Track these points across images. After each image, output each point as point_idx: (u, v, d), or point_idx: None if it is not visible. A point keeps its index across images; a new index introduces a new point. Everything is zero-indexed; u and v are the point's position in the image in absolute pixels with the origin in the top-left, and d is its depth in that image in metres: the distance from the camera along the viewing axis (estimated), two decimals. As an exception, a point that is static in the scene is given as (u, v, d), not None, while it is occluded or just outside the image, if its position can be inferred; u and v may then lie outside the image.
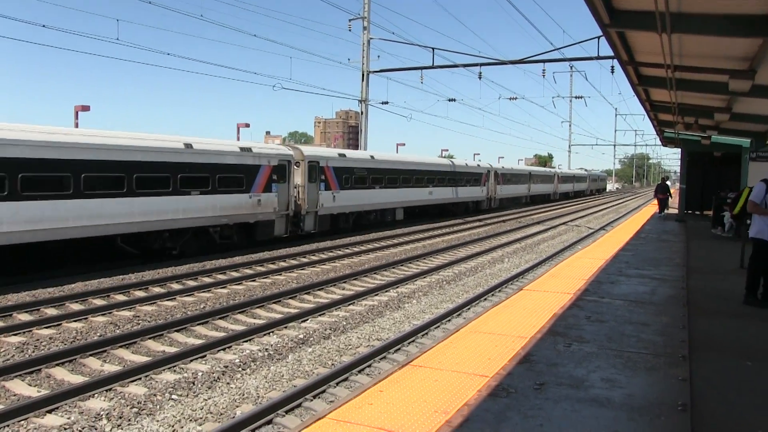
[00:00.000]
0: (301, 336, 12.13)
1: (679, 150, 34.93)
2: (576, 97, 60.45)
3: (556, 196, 75.45)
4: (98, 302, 14.75)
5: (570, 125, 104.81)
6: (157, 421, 8.19)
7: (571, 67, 46.02)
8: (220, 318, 13.49)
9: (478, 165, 48.49)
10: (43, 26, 24.96)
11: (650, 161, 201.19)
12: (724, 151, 30.87)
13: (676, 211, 35.22)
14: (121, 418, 8.19)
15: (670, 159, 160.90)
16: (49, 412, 8.32)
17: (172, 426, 8.02)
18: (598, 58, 31.26)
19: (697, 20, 9.22)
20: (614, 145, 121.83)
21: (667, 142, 36.23)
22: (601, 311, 10.29)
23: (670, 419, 5.78)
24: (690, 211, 35.19)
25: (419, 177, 38.04)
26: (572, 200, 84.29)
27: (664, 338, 8.67)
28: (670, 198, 38.19)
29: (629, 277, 13.73)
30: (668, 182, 39.86)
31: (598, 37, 29.36)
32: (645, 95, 18.20)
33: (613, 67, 33.27)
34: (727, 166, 31.69)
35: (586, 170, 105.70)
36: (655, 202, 37.52)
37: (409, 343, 11.71)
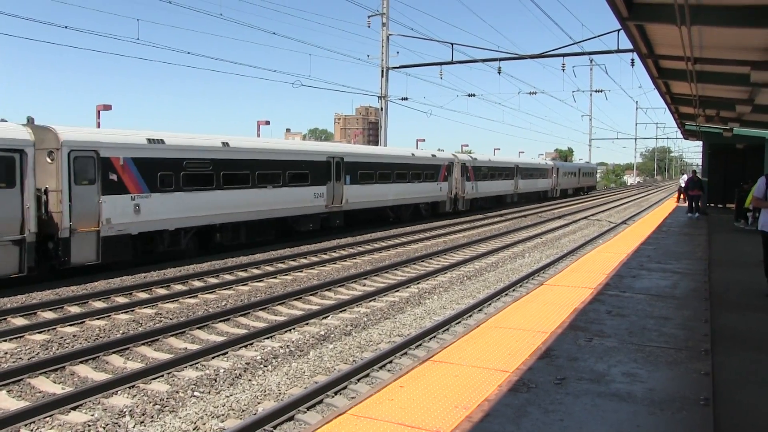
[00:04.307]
0: (322, 332, 12.17)
1: (701, 143, 34.61)
2: (596, 91, 59.90)
3: (462, 206, 41.27)
4: (121, 300, 14.90)
5: (590, 119, 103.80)
6: (180, 417, 8.26)
7: (591, 61, 45.57)
8: (241, 315, 13.56)
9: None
10: (66, 27, 25.18)
11: (671, 154, 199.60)
12: (746, 143, 30.53)
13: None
14: (144, 414, 8.27)
15: (692, 152, 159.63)
16: (74, 409, 8.42)
17: (195, 423, 8.09)
18: (618, 51, 31.02)
19: (717, 11, 9.11)
20: (635, 139, 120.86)
21: (688, 134, 35.93)
22: (623, 305, 10.23)
23: (692, 414, 5.74)
24: (712, 204, 34.85)
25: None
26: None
27: (686, 332, 8.60)
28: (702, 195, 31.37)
29: (651, 271, 13.64)
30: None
31: (618, 30, 29.14)
32: (665, 88, 18.04)
33: (633, 60, 33.11)
34: (750, 158, 31.35)
35: (552, 160, 73.55)
36: (676, 196, 36.37)
37: (430, 339, 11.72)
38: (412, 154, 35.94)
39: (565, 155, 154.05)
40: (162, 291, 15.97)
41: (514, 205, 51.22)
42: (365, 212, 31.75)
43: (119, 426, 7.94)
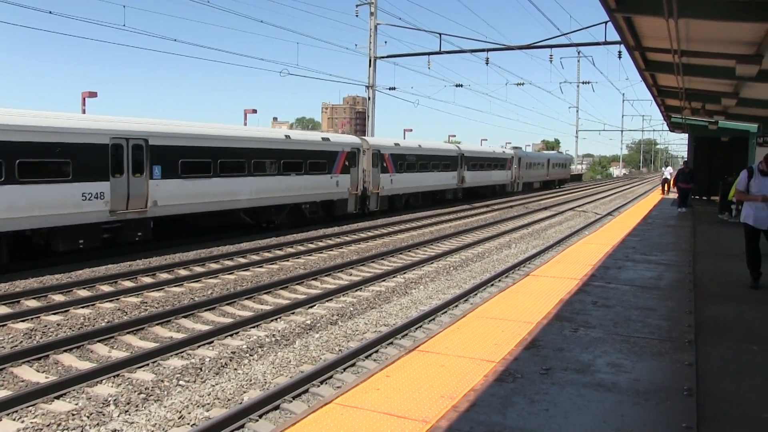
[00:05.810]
0: (309, 322, 12.17)
1: (687, 135, 34.80)
2: (583, 83, 60.21)
3: (374, 205, 32.46)
4: (106, 288, 14.82)
5: (577, 111, 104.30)
6: (165, 406, 8.24)
7: (579, 53, 45.76)
8: (227, 304, 13.53)
9: None
10: (50, 13, 24.92)
11: (657, 146, 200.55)
12: (731, 136, 30.75)
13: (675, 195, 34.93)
14: (128, 403, 8.24)
15: (678, 144, 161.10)
16: (57, 398, 8.38)
17: (180, 411, 8.07)
18: (605, 43, 31.12)
19: (704, 5, 9.16)
20: (621, 131, 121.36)
21: (674, 127, 36.14)
22: (608, 296, 10.27)
23: (675, 403, 5.78)
24: (697, 197, 35.04)
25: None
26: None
27: (670, 323, 8.66)
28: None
29: (636, 263, 13.71)
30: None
31: (605, 22, 29.15)
32: (652, 80, 18.13)
33: (620, 52, 33.19)
34: (735, 151, 31.56)
35: (513, 148, 58.12)
36: (661, 188, 36.48)
37: (416, 329, 11.74)
38: (287, 137, 26.53)
39: (551, 146, 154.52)
40: (147, 279, 15.89)
41: (458, 203, 42.60)
42: (196, 218, 22.08)
43: (104, 415, 7.90)
